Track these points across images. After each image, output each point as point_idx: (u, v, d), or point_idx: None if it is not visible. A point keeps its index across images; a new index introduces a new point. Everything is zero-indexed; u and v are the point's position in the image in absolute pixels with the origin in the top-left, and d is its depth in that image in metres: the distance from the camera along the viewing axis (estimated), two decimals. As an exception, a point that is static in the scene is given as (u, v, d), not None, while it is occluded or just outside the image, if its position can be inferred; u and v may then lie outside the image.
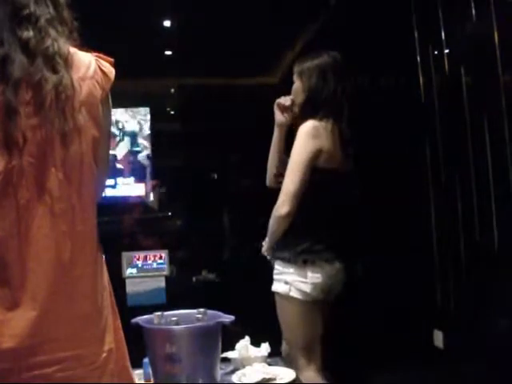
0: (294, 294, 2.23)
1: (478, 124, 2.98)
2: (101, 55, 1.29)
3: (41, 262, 1.10)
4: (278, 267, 2.28)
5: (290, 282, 2.23)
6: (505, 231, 2.79)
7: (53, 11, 1.21)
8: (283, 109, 2.45)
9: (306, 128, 2.25)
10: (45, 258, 1.11)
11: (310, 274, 2.23)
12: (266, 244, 2.38)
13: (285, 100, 2.44)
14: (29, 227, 1.10)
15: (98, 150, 1.22)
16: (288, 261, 2.25)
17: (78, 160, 1.17)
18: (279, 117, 2.47)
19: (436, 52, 3.42)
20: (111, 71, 1.27)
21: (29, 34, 1.15)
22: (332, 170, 2.28)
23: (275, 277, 2.29)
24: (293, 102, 2.42)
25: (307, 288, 2.23)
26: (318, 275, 2.24)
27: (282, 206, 2.22)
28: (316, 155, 2.23)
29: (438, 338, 3.35)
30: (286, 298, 2.24)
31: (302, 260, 2.23)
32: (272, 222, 2.28)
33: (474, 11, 2.93)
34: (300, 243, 2.24)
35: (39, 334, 1.09)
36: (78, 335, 1.15)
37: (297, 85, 2.39)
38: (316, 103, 2.31)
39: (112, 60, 1.29)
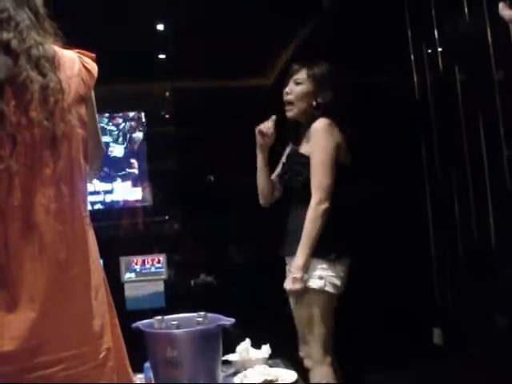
0: (329, 288, 2.26)
1: (472, 121, 3.00)
2: (83, 51, 1.28)
3: (38, 263, 1.10)
4: (312, 263, 2.27)
5: (325, 276, 2.26)
6: (502, 229, 2.80)
7: (34, 19, 1.20)
8: (264, 134, 2.50)
9: (322, 125, 2.31)
10: (42, 258, 1.10)
11: (339, 269, 2.28)
12: (300, 258, 2.23)
13: (267, 128, 2.48)
14: (24, 228, 1.10)
15: (86, 147, 1.23)
16: (322, 257, 2.26)
17: (69, 160, 1.17)
18: (261, 140, 2.51)
19: (430, 50, 3.43)
20: (94, 67, 1.27)
21: (9, 35, 1.14)
22: (347, 166, 2.36)
23: (309, 273, 2.27)
24: (278, 118, 2.48)
25: (339, 282, 2.28)
26: (345, 269, 2.30)
27: (322, 203, 2.23)
28: (337, 150, 2.30)
29: (437, 336, 3.36)
30: (321, 292, 2.26)
31: (334, 255, 2.27)
32: (314, 222, 2.23)
33: (466, 9, 2.94)
34: (331, 239, 2.26)
35: (39, 335, 1.09)
36: (78, 333, 1.15)
37: (304, 87, 2.42)
38: (324, 105, 2.37)
39: (94, 55, 1.29)
